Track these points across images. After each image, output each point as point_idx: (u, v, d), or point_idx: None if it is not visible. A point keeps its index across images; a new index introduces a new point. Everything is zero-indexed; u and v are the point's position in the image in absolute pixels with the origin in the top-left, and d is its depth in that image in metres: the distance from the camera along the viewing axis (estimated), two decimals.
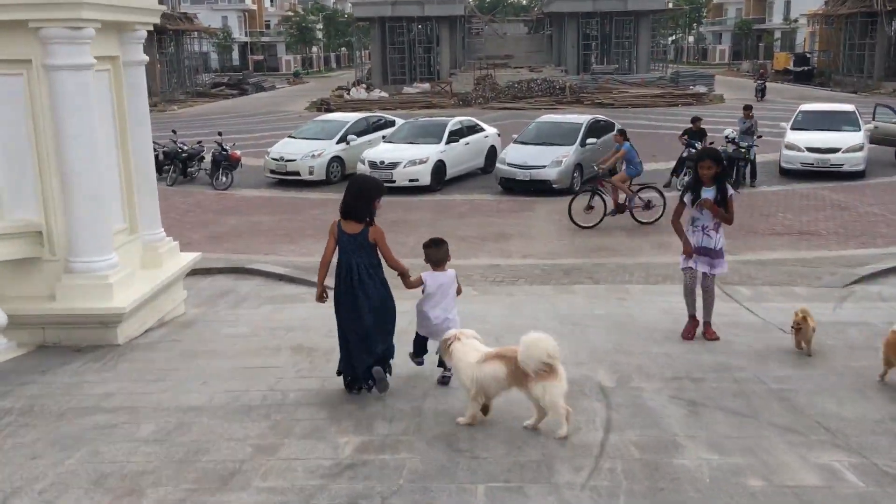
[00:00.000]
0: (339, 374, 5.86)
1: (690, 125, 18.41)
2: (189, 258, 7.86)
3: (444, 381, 5.90)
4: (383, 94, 46.45)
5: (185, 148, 20.29)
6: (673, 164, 20.84)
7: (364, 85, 49.40)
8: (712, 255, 7.01)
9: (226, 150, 19.36)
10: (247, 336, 7.41)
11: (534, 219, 15.21)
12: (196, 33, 60.84)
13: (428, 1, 53.68)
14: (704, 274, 7.06)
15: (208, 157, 19.98)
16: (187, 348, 7.03)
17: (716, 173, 6.91)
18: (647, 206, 14.47)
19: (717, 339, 7.08)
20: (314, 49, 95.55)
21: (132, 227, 7.28)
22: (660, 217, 14.19)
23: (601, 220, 14.21)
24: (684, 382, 5.93)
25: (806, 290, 9.92)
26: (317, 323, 7.45)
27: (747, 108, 18.75)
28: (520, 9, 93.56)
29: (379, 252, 5.67)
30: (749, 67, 75.19)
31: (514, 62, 54.67)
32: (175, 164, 19.92)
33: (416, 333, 6.09)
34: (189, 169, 20.17)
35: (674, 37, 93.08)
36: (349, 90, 48.09)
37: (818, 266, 11.28)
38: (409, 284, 5.88)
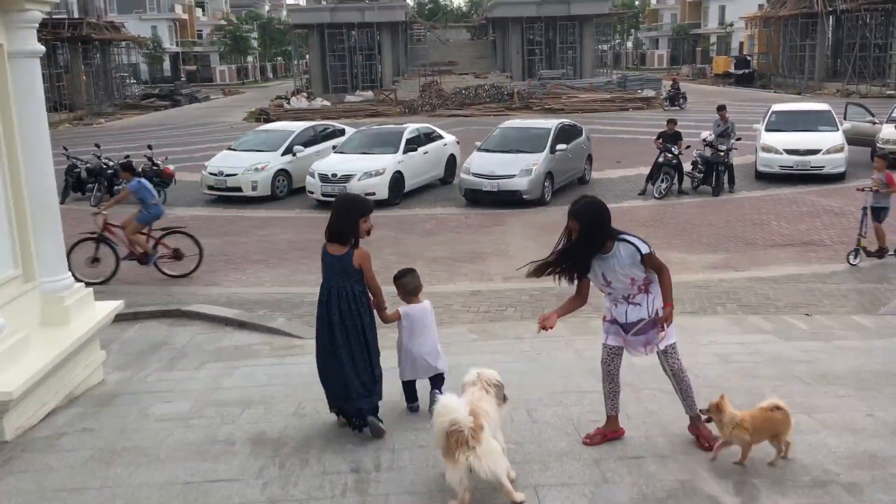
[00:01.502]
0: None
1: (665, 128, 17.22)
2: (107, 309, 6.03)
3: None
4: (325, 102, 44.64)
5: (111, 164, 18.22)
6: (642, 169, 19.78)
7: (305, 94, 47.45)
8: (646, 327, 4.90)
9: (157, 165, 17.41)
10: (186, 418, 5.58)
11: (507, 234, 13.74)
12: (124, 43, 57.92)
13: (368, 7, 52.17)
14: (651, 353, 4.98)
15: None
16: (102, 445, 5.17)
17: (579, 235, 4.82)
18: (177, 256, 11.50)
19: (710, 448, 4.80)
20: (249, 59, 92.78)
21: (27, 274, 5.47)
22: (196, 268, 11.45)
23: (114, 273, 11.15)
24: None
25: (867, 318, 8.50)
26: (280, 391, 5.78)
27: (721, 109, 17.68)
28: (461, 16, 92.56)
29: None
30: (688, 71, 75.80)
31: (458, 69, 53.52)
32: (100, 182, 17.84)
33: (402, 381, 5.68)
34: (116, 186, 18.08)
35: (612, 43, 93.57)
36: (289, 99, 46.09)
37: (840, 282, 10.06)
38: (386, 318, 5.50)
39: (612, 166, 20.92)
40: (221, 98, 62.53)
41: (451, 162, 19.13)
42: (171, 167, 17.90)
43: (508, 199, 15.86)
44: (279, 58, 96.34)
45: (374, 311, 5.37)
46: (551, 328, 4.92)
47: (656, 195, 16.29)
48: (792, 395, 5.41)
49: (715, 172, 16.43)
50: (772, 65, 59.52)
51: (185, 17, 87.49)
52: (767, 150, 17.68)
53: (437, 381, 5.70)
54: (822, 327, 8.02)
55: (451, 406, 4.17)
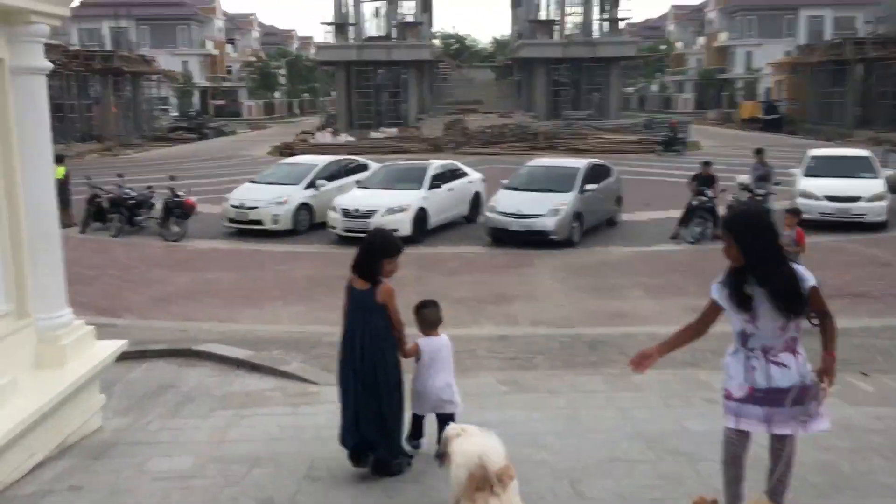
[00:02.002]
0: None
1: (700, 170, 16.69)
2: (109, 349, 5.55)
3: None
4: (350, 138, 44.57)
5: (133, 194, 17.98)
6: (672, 212, 19.20)
7: (330, 129, 47.50)
8: (795, 397, 3.94)
9: (178, 197, 17.11)
10: (186, 477, 5.03)
11: (535, 276, 13.21)
12: (154, 77, 58.64)
13: (394, 46, 52.46)
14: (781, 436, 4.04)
15: (160, 205, 17.68)
16: None
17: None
18: None
19: None
20: (277, 94, 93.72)
21: (20, 310, 5.02)
22: None
23: None
24: None
25: None
26: (292, 447, 5.25)
27: (759, 153, 17.13)
28: (486, 56, 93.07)
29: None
30: (715, 116, 75.38)
31: (483, 108, 53.47)
32: (121, 213, 17.58)
33: (413, 414, 5.51)
34: (136, 218, 17.84)
35: (637, 86, 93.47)
36: (314, 134, 46.13)
37: (893, 337, 9.39)
38: (405, 353, 5.36)
39: (640, 208, 20.38)
40: (248, 132, 62.93)
41: (476, 200, 18.70)
42: (193, 199, 17.61)
43: (535, 240, 15.35)
44: (306, 94, 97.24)
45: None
46: (644, 370, 4.19)
47: (690, 239, 15.71)
48: (874, 473, 4.78)
49: None
50: (800, 111, 58.96)
51: (216, 52, 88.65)
52: (806, 195, 17.04)
53: (445, 422, 5.33)
54: (889, 390, 7.36)
55: (484, 442, 3.86)
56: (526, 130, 42.28)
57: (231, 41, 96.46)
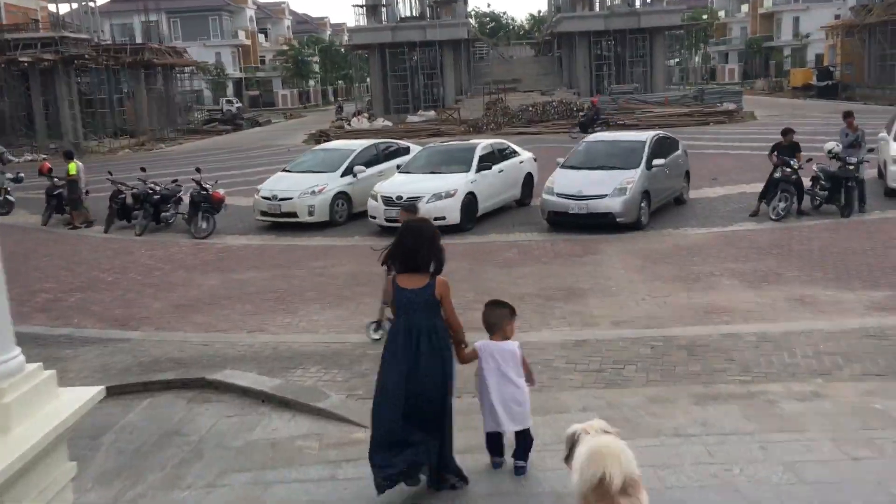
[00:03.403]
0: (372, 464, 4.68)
1: (780, 139, 14.83)
2: (76, 404, 3.95)
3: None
4: (387, 123, 43.13)
5: (158, 189, 16.72)
6: (744, 187, 17.44)
7: (366, 114, 46.08)
8: None
9: (206, 190, 15.78)
10: None
11: (605, 265, 11.57)
12: (187, 69, 57.75)
13: (430, 25, 50.71)
14: None
15: (187, 199, 16.41)
16: None
17: None
18: None
19: None
20: (311, 83, 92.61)
21: None
22: None
23: None
24: None
25: None
26: None
27: (848, 115, 15.20)
28: (522, 34, 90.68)
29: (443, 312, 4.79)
30: (764, 85, 72.37)
31: (522, 86, 51.50)
32: (146, 209, 16.33)
33: (485, 433, 5.12)
34: (163, 214, 16.58)
35: (681, 58, 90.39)
36: (350, 121, 44.77)
37: None
38: (463, 357, 5.01)
39: (707, 184, 18.57)
40: (283, 122, 61.89)
41: (529, 181, 17.07)
42: (222, 191, 16.27)
43: (599, 223, 13.71)
44: (340, 81, 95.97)
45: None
46: None
47: (773, 216, 13.92)
48: None
49: (844, 189, 13.96)
50: (856, 75, 55.91)
51: (248, 42, 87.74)
52: None
53: (523, 442, 5.05)
54: None
55: (614, 447, 3.45)
56: (570, 107, 40.32)
57: (263, 31, 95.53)
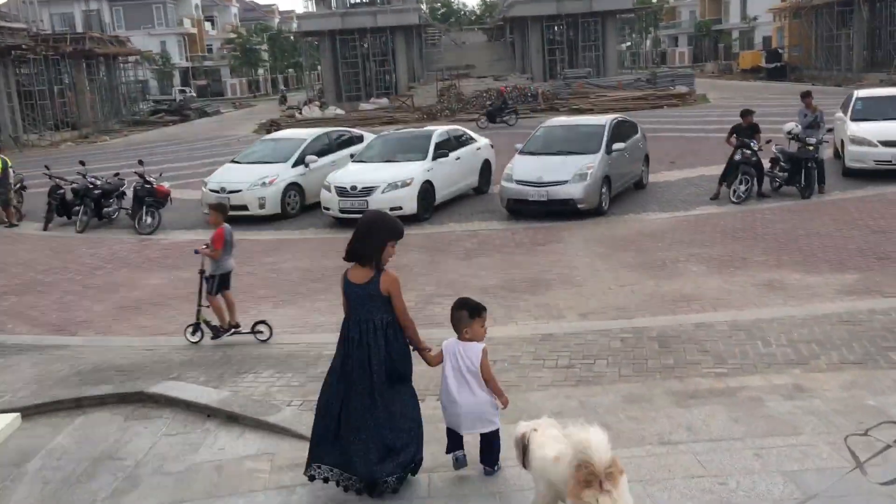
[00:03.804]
0: (309, 477, 4.51)
1: (740, 121, 14.68)
2: None
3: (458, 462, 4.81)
4: (339, 111, 42.36)
5: (99, 183, 15.93)
6: (702, 170, 17.34)
7: (317, 103, 45.22)
8: None
9: (149, 183, 15.06)
10: None
11: (568, 253, 11.25)
12: (131, 59, 55.99)
13: (380, 11, 49.98)
14: None
15: (130, 194, 15.66)
16: None
17: None
18: None
19: None
20: (261, 72, 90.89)
21: None
22: None
23: None
24: None
25: None
26: None
27: (806, 96, 15.10)
28: (474, 18, 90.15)
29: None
30: (713, 68, 73.11)
31: (476, 72, 51.14)
32: (86, 204, 15.55)
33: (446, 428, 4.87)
34: (105, 209, 15.83)
35: (629, 42, 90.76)
36: (301, 109, 43.89)
37: None
38: (431, 360, 4.79)
39: (666, 168, 18.43)
40: (232, 111, 60.54)
41: (486, 168, 16.70)
42: (167, 185, 15.59)
43: (560, 210, 13.40)
44: (290, 70, 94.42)
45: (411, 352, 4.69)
46: None
47: (734, 199, 13.75)
48: None
49: (804, 170, 13.85)
50: (804, 57, 56.67)
51: (195, 31, 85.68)
52: (858, 142, 15.08)
53: (487, 447, 4.77)
54: None
55: (586, 434, 3.56)
56: (524, 92, 40.04)
57: (209, 19, 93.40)
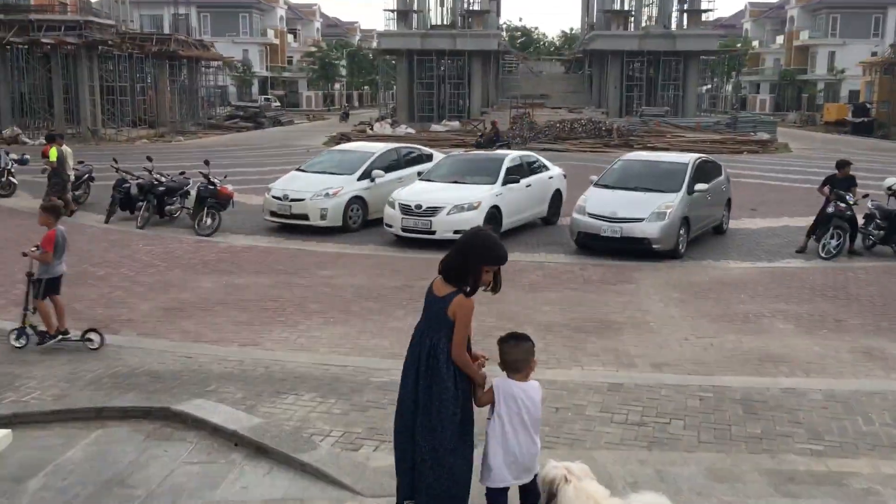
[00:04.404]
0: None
1: (835, 172, 13.70)
2: None
3: None
4: (410, 130, 42.21)
5: (164, 180, 15.79)
6: (786, 220, 16.40)
7: (389, 120, 45.22)
8: None
9: (213, 185, 14.83)
10: None
11: (641, 296, 10.46)
12: (213, 64, 57.11)
13: (460, 34, 49.89)
14: None
15: (195, 193, 15.44)
16: None
17: None
18: None
19: None
20: (336, 86, 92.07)
21: None
22: None
23: None
24: None
25: None
26: None
27: None
28: (553, 50, 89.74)
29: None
30: (796, 118, 70.99)
31: (550, 102, 50.53)
32: (149, 201, 15.40)
33: (486, 489, 4.22)
34: (167, 207, 15.66)
35: (709, 85, 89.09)
36: (372, 125, 43.93)
37: None
38: (479, 399, 4.26)
39: (747, 214, 17.46)
40: (305, 123, 61.19)
41: (557, 198, 16.02)
42: (230, 187, 15.31)
43: (633, 249, 12.62)
44: (366, 87, 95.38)
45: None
46: None
47: (823, 254, 12.77)
48: None
49: None
50: (893, 113, 54.51)
51: (277, 42, 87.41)
52: None
53: (531, 496, 4.25)
54: None
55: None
56: (598, 126, 39.27)
57: (293, 31, 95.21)
